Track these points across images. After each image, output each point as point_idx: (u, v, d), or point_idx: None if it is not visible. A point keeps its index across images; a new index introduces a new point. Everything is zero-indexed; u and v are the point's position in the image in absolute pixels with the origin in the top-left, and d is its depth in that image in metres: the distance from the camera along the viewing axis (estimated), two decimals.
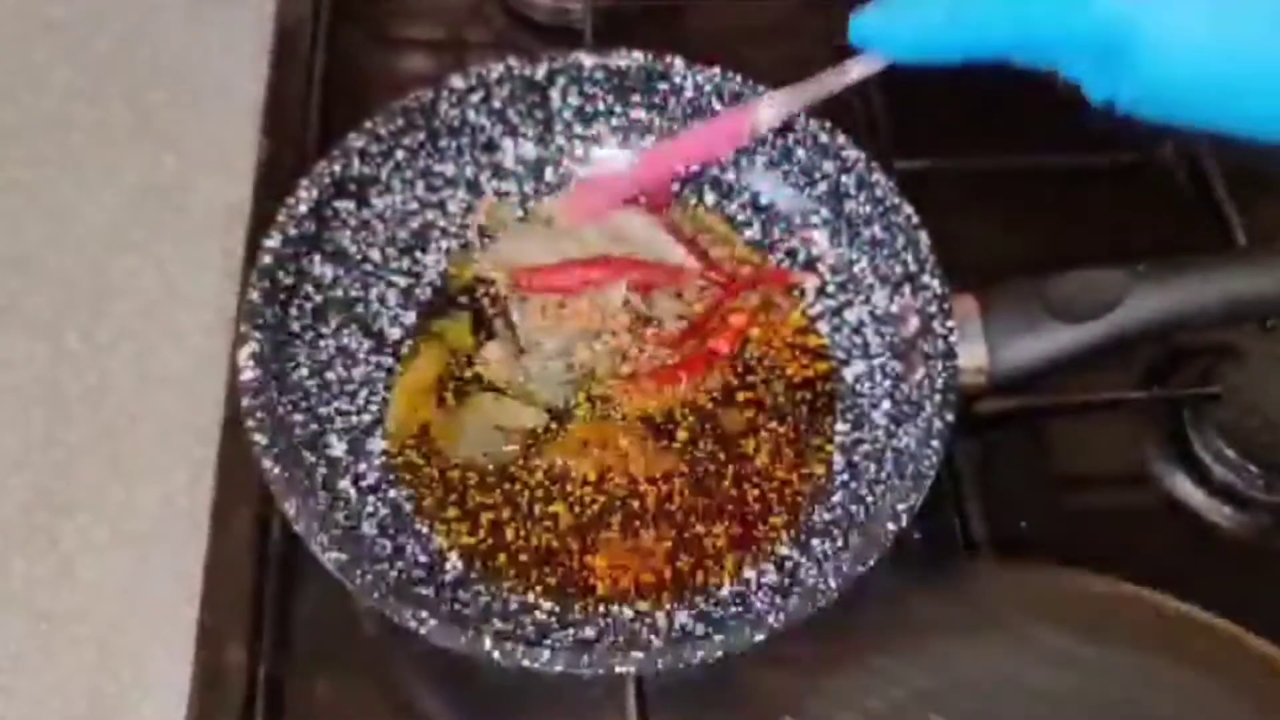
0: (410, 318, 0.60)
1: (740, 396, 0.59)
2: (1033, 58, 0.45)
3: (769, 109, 0.55)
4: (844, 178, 0.59)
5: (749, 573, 0.54)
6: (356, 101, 0.66)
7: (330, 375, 0.57)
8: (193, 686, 0.53)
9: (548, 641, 0.50)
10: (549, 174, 0.63)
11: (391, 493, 0.55)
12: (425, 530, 0.55)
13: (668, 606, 0.53)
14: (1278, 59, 0.38)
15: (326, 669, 0.54)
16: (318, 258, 0.57)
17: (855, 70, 0.51)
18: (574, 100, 0.62)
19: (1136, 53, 0.40)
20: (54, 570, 0.59)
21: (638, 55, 0.60)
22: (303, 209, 0.56)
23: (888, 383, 0.57)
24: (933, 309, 0.54)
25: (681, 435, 0.57)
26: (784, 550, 0.54)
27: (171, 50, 0.76)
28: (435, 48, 0.77)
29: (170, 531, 0.60)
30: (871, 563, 0.47)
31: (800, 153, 0.60)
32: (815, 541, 0.54)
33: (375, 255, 0.60)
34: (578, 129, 0.63)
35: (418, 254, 0.61)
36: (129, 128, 0.73)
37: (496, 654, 0.45)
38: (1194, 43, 0.39)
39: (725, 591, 0.53)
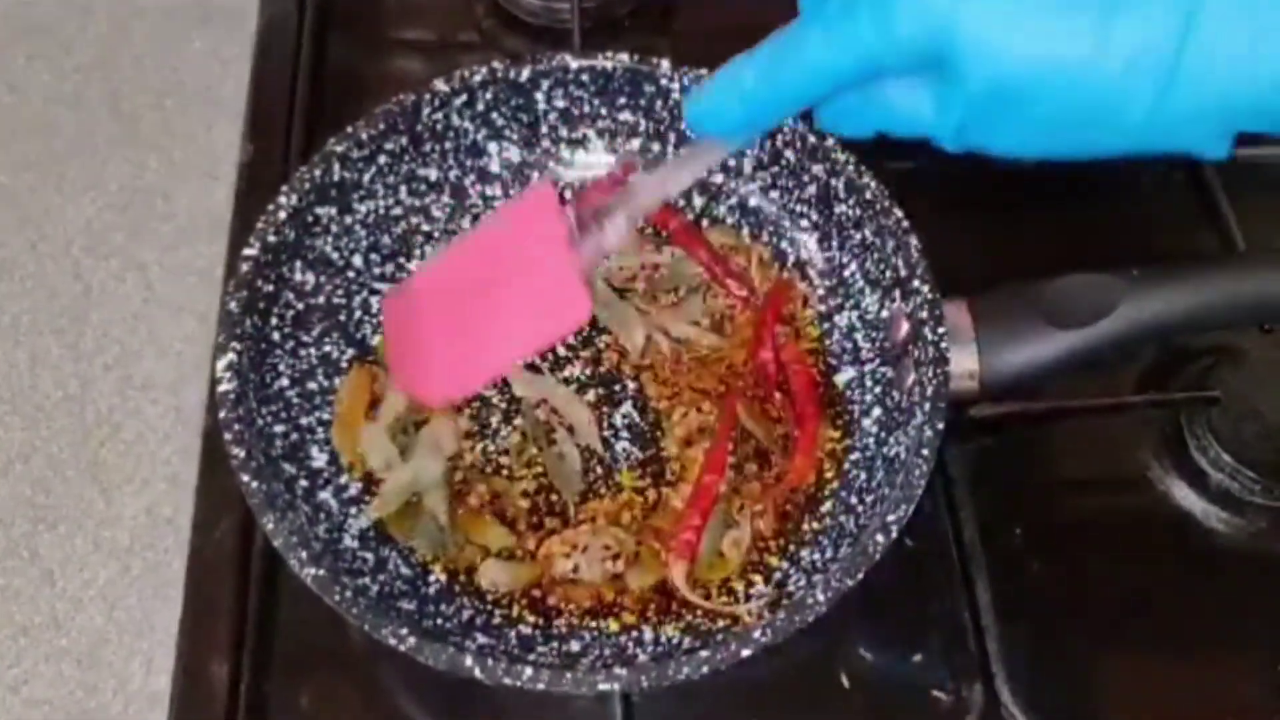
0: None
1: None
2: (867, 106, 0.43)
3: (614, 231, 0.48)
4: (833, 181, 0.58)
5: (737, 585, 0.53)
6: (341, 105, 0.66)
7: (312, 385, 0.56)
8: (174, 699, 0.52)
9: (531, 657, 0.49)
10: (534, 178, 0.62)
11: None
12: (408, 543, 0.54)
13: (654, 619, 0.52)
14: (1100, 48, 0.37)
15: (309, 680, 0.54)
16: (299, 265, 0.56)
17: (702, 160, 0.48)
18: (559, 103, 0.61)
19: (960, 58, 0.38)
20: (34, 582, 0.59)
21: (623, 58, 0.59)
22: (283, 215, 0.55)
23: (878, 389, 0.57)
24: (924, 314, 0.53)
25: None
26: (773, 561, 0.54)
27: (154, 55, 0.75)
28: (422, 50, 0.76)
29: (151, 542, 0.60)
30: (860, 575, 0.47)
31: (789, 155, 0.59)
32: (804, 553, 0.53)
33: (358, 261, 0.59)
34: (563, 132, 0.62)
35: (401, 260, 0.61)
36: (111, 133, 0.72)
37: (478, 671, 0.44)
38: (1015, 34, 0.37)
39: (713, 604, 0.52)
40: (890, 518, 0.48)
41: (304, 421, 0.55)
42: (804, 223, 0.61)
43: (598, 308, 0.58)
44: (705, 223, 0.63)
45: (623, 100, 0.61)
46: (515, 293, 0.49)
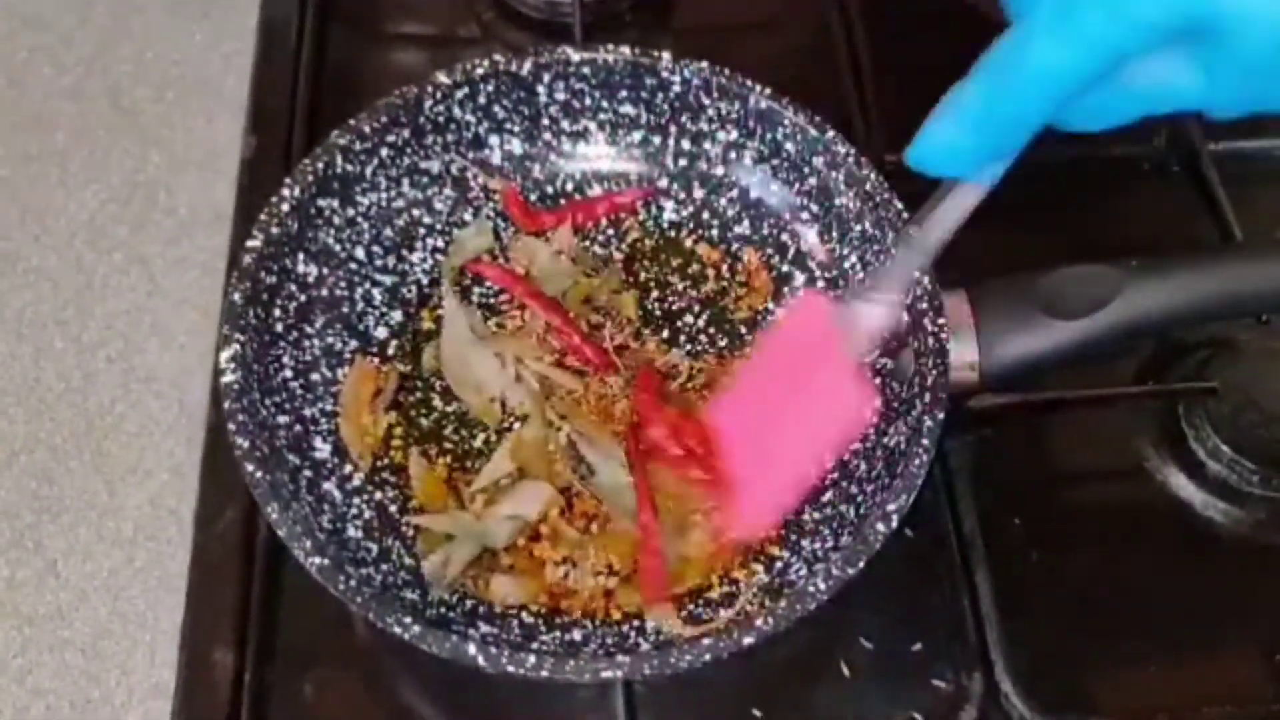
0: (397, 316, 0.60)
1: None
2: (1117, 96, 0.38)
3: (882, 307, 0.46)
4: (834, 173, 0.58)
5: (739, 574, 0.53)
6: (344, 98, 0.66)
7: (315, 376, 0.56)
8: (178, 689, 0.52)
9: (534, 646, 0.50)
10: (536, 170, 0.63)
11: (377, 495, 0.55)
12: (411, 533, 0.54)
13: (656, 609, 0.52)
14: None
15: (313, 671, 0.54)
16: (301, 257, 0.56)
17: (958, 203, 0.43)
18: (561, 96, 0.61)
19: (1226, 20, 0.34)
20: (38, 573, 0.59)
21: (625, 50, 0.59)
22: (286, 208, 0.55)
23: (878, 380, 0.57)
24: (923, 305, 0.53)
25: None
26: (773, 551, 0.54)
27: (156, 47, 0.76)
28: (424, 43, 0.76)
29: (155, 533, 0.60)
30: (861, 564, 0.47)
31: (789, 148, 0.59)
32: (805, 542, 0.54)
33: (360, 254, 0.59)
34: (565, 125, 0.62)
35: (404, 252, 0.61)
36: (113, 126, 0.72)
37: (481, 659, 0.45)
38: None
39: (714, 593, 0.53)
40: (890, 507, 0.48)
41: (307, 413, 0.55)
42: (805, 215, 0.61)
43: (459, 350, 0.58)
44: (696, 235, 0.63)
45: (624, 93, 0.61)
46: (802, 404, 0.48)
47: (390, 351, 0.59)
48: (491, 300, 0.61)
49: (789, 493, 0.50)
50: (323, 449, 0.55)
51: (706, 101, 0.60)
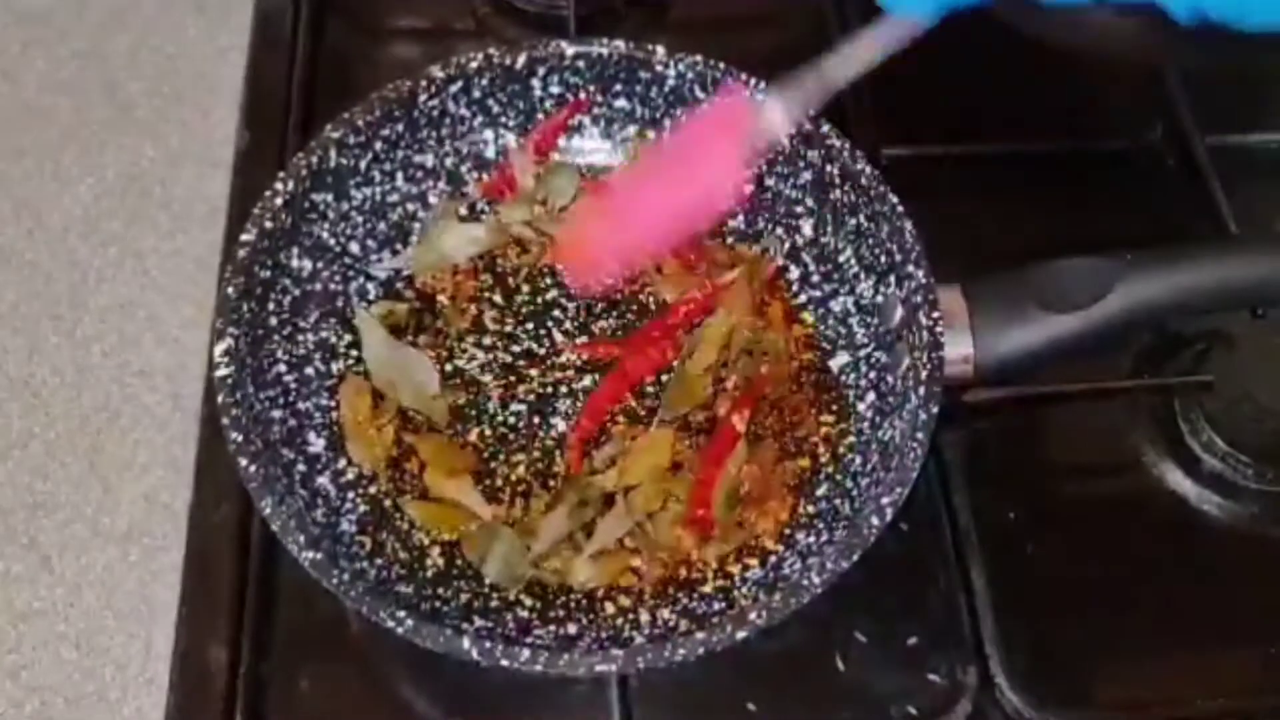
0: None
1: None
2: None
3: (774, 112, 0.49)
4: (829, 167, 0.58)
5: (733, 568, 0.53)
6: (339, 92, 0.66)
7: (309, 370, 0.56)
8: (173, 684, 0.52)
9: (528, 640, 0.50)
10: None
11: (371, 489, 0.55)
12: (405, 527, 0.54)
13: (650, 602, 0.52)
14: None
15: (308, 665, 0.54)
16: (295, 251, 0.56)
17: (888, 37, 0.46)
18: (555, 89, 0.61)
19: None
20: (32, 568, 0.59)
21: (619, 44, 0.59)
22: (279, 202, 0.55)
23: (873, 374, 0.57)
24: (918, 299, 0.53)
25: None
26: (768, 544, 0.54)
27: (150, 40, 0.75)
28: (419, 37, 0.76)
29: (150, 528, 0.60)
30: (856, 558, 0.47)
31: (784, 141, 0.59)
32: (800, 535, 0.54)
33: (354, 248, 0.59)
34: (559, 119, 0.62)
35: (398, 246, 0.61)
36: (107, 119, 0.72)
37: (475, 653, 0.45)
38: None
39: (709, 587, 0.53)
40: (885, 501, 0.48)
41: (301, 406, 0.55)
42: (799, 209, 0.61)
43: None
44: None
45: (618, 87, 0.61)
46: (683, 173, 0.51)
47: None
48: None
49: (633, 245, 0.53)
50: (316, 443, 0.55)
51: (701, 95, 0.60)
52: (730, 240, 0.62)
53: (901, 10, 0.44)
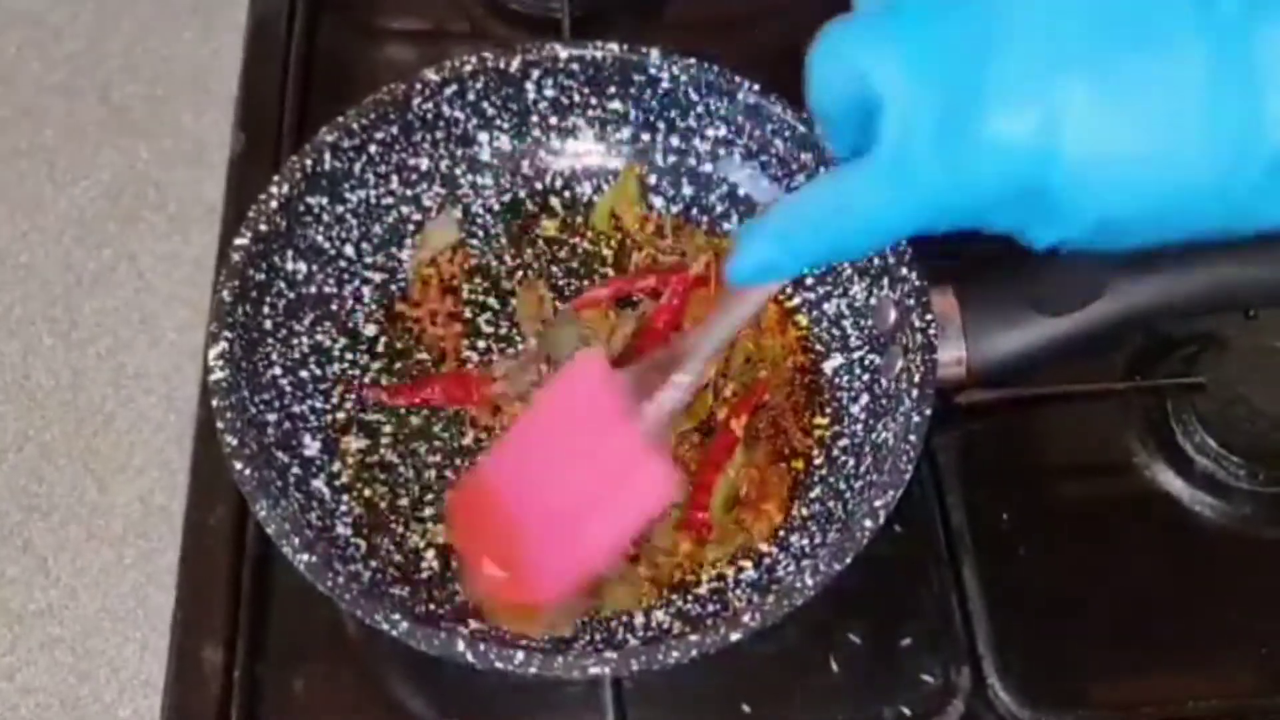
0: (385, 313, 0.60)
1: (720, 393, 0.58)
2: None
3: (679, 391, 0.45)
4: (823, 170, 0.58)
5: (727, 570, 0.53)
6: (334, 95, 0.66)
7: (304, 373, 0.56)
8: (168, 686, 0.52)
9: (523, 642, 0.50)
10: (525, 167, 0.63)
11: (367, 492, 0.55)
12: (400, 529, 0.54)
13: (645, 604, 0.52)
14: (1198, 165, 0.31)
15: (304, 666, 0.54)
16: (290, 254, 0.56)
17: (751, 301, 0.43)
18: (549, 92, 0.61)
19: (1060, 201, 0.33)
20: (27, 570, 0.59)
21: (613, 47, 0.59)
22: (274, 205, 0.55)
23: (866, 376, 0.57)
24: (911, 301, 0.53)
25: None
26: (762, 546, 0.54)
27: (145, 43, 0.75)
28: (413, 39, 0.76)
29: (145, 530, 0.60)
30: (849, 560, 0.47)
31: (778, 144, 0.59)
32: (793, 538, 0.54)
33: (349, 251, 0.59)
34: (553, 121, 0.62)
35: (393, 249, 0.61)
36: (102, 121, 0.72)
37: (470, 656, 0.45)
38: (1119, 165, 0.32)
39: (703, 589, 0.53)
40: (878, 503, 0.48)
41: (296, 410, 0.55)
42: None
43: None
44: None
45: (613, 89, 0.61)
46: (593, 482, 0.45)
47: (380, 348, 0.59)
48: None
49: (571, 571, 0.47)
50: (311, 446, 0.55)
51: (695, 98, 0.60)
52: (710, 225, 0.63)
53: (759, 281, 0.40)
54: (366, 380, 0.58)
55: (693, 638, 0.45)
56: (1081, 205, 0.33)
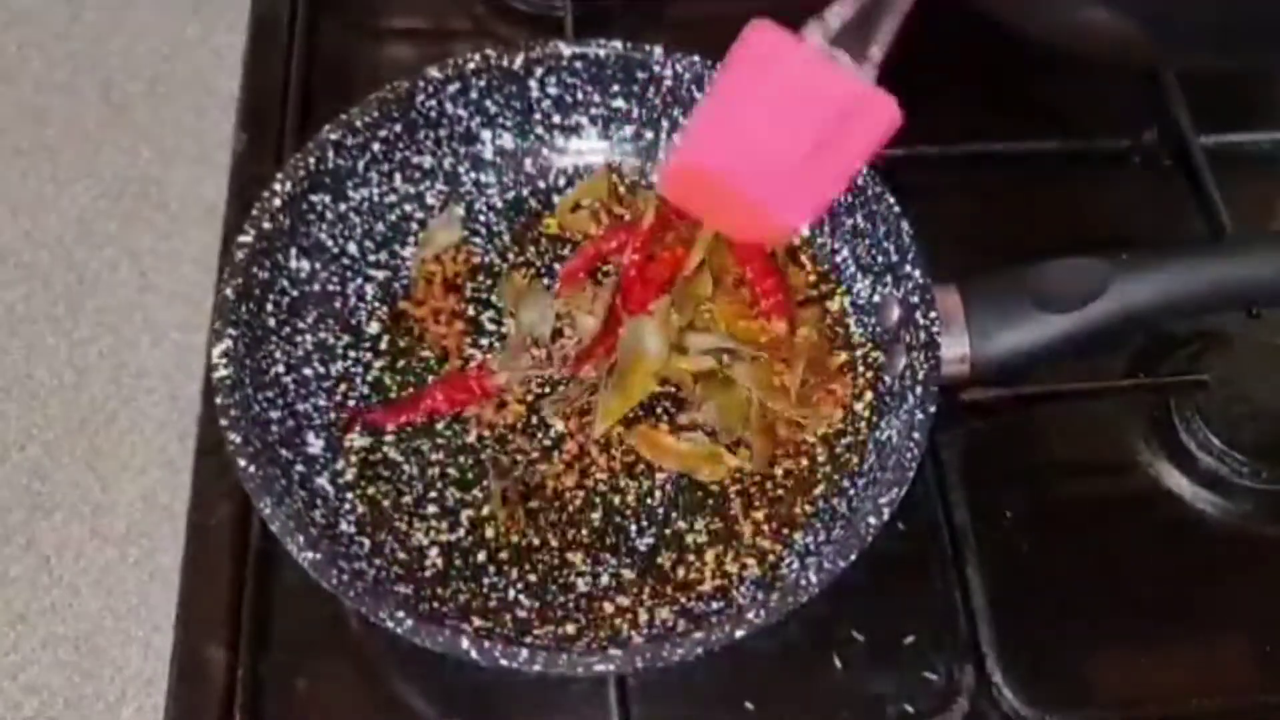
0: (389, 311, 0.60)
1: None
2: None
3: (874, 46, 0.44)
4: None
5: (730, 567, 0.53)
6: (336, 93, 0.66)
7: (307, 371, 0.56)
8: (171, 684, 0.52)
9: (527, 640, 0.50)
10: (528, 165, 0.63)
11: (370, 489, 0.55)
12: (404, 527, 0.54)
13: (649, 602, 0.52)
14: None
15: (307, 665, 0.54)
16: (294, 252, 0.56)
17: None
18: (553, 90, 0.61)
19: None
20: (31, 569, 0.59)
21: (616, 44, 0.59)
22: (277, 203, 0.55)
23: (870, 374, 0.57)
24: (915, 299, 0.53)
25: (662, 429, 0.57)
26: (766, 544, 0.54)
27: (147, 41, 0.75)
28: (416, 37, 0.76)
29: (148, 529, 0.60)
30: (853, 557, 0.47)
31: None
32: (797, 535, 0.54)
33: (352, 249, 0.59)
34: (557, 119, 0.62)
35: (396, 247, 0.61)
36: (104, 120, 0.72)
37: (474, 653, 0.45)
38: None
39: (707, 586, 0.53)
40: (882, 500, 0.48)
41: (300, 408, 0.55)
42: None
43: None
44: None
45: (616, 87, 0.61)
46: (810, 128, 0.45)
47: (383, 346, 0.59)
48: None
49: (822, 192, 0.47)
50: (315, 444, 0.55)
51: (699, 95, 0.60)
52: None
53: None
54: (369, 379, 0.58)
55: (697, 635, 0.45)
56: None
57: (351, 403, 0.57)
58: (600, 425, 0.55)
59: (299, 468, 0.53)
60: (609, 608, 0.52)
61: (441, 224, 0.61)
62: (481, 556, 0.54)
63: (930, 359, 0.51)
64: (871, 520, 0.48)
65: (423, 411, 0.56)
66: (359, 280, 0.60)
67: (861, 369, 0.58)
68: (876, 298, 0.57)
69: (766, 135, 0.46)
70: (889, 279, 0.56)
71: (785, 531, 0.54)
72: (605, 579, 0.53)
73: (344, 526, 0.53)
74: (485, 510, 0.55)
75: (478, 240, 0.62)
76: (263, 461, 0.50)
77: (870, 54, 0.44)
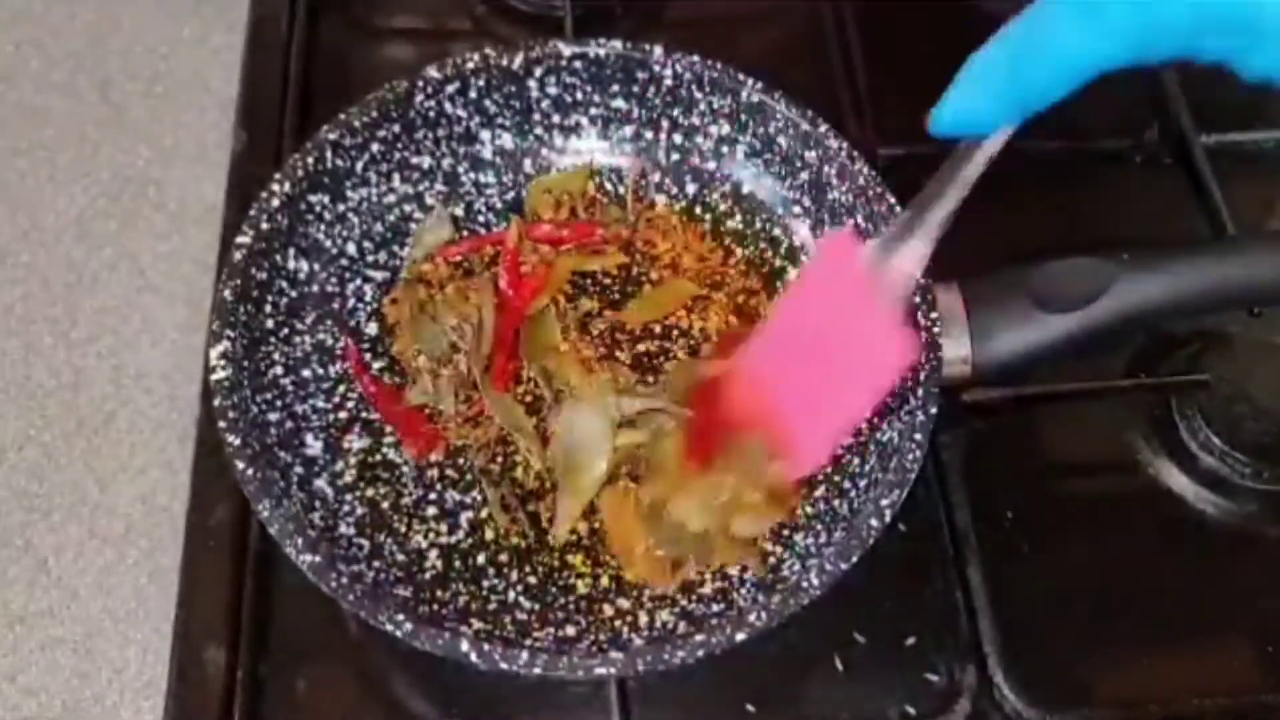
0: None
1: None
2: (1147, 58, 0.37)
3: (908, 259, 0.46)
4: (826, 168, 0.58)
5: (731, 569, 0.53)
6: (334, 93, 0.66)
7: (306, 372, 0.56)
8: (170, 687, 0.52)
9: (526, 642, 0.50)
10: (527, 165, 0.62)
11: (369, 491, 0.55)
12: (404, 529, 0.54)
13: (649, 604, 0.52)
14: None
15: (307, 667, 0.54)
16: (292, 253, 0.56)
17: (974, 160, 0.43)
18: (552, 90, 0.61)
19: (1259, 29, 0.33)
20: (28, 571, 0.58)
21: (616, 44, 0.59)
22: (275, 204, 0.55)
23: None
24: (916, 299, 0.53)
25: None
26: (767, 546, 0.54)
27: (145, 40, 0.75)
28: (415, 37, 0.76)
29: (147, 530, 0.60)
30: (855, 559, 0.47)
31: (782, 142, 0.59)
32: (798, 537, 0.54)
33: (351, 249, 0.59)
34: (556, 119, 0.62)
35: (394, 247, 0.61)
36: (102, 119, 0.72)
37: (474, 656, 0.45)
38: None
39: (708, 588, 0.53)
40: (884, 502, 0.48)
41: (298, 409, 0.55)
42: (796, 209, 0.61)
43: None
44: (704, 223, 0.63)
45: (615, 87, 0.61)
46: (841, 352, 0.47)
47: (381, 347, 0.59)
48: None
49: (826, 439, 0.49)
50: (314, 446, 0.55)
51: (698, 95, 0.60)
52: (727, 240, 0.62)
53: (963, 131, 0.41)
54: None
55: (698, 638, 0.45)
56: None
57: (350, 404, 0.57)
58: (562, 529, 0.54)
59: (298, 469, 0.53)
60: (609, 610, 0.52)
61: (431, 224, 0.61)
62: (481, 559, 0.53)
63: (931, 359, 0.51)
64: (873, 522, 0.47)
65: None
66: (358, 281, 0.59)
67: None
68: None
69: (815, 358, 0.48)
70: None
71: (786, 533, 0.54)
72: (605, 581, 0.53)
73: (343, 529, 0.53)
74: (485, 512, 0.55)
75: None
76: (261, 463, 0.49)
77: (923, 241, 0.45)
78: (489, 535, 0.54)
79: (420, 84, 0.58)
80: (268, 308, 0.55)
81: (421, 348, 0.58)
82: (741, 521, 0.53)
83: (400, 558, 0.53)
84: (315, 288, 0.58)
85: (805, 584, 0.46)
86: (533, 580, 0.53)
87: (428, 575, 0.53)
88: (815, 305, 0.49)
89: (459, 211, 0.62)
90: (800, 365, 0.49)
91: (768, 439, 0.50)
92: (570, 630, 0.51)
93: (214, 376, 0.50)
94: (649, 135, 0.62)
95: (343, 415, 0.56)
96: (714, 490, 0.53)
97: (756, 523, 0.53)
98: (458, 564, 0.53)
